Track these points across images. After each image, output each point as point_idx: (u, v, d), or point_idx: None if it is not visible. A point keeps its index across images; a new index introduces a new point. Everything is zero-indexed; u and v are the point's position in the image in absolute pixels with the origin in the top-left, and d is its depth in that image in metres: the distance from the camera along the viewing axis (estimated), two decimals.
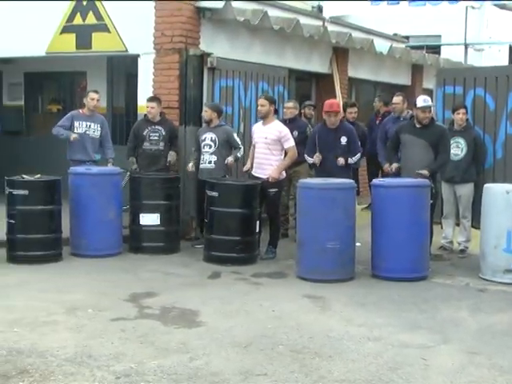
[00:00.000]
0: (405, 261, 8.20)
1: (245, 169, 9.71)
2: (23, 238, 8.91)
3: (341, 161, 9.27)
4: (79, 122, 10.22)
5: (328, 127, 9.40)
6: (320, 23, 13.04)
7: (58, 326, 6.28)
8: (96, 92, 10.46)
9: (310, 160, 9.52)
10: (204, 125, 9.97)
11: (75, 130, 10.18)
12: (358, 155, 9.57)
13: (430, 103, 9.21)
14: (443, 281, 8.31)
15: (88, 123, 10.25)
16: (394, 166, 9.21)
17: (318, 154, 9.34)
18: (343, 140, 9.34)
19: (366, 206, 12.01)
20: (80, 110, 10.45)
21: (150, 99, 10.17)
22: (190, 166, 9.90)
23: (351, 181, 8.68)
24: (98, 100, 10.37)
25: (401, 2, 22.22)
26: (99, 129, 10.31)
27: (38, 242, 8.92)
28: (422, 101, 9.10)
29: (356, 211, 8.59)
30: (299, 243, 8.43)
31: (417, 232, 8.25)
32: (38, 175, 9.17)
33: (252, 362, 5.43)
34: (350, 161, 9.37)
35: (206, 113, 9.82)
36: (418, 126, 9.11)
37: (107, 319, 6.48)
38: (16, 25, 11.59)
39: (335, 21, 14.43)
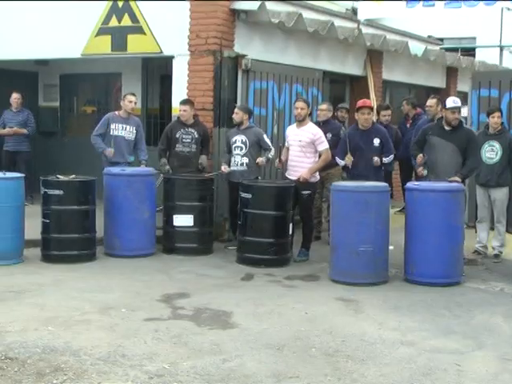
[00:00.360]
0: (438, 265, 8.13)
1: (278, 161, 9.56)
2: (58, 237, 9.00)
3: (376, 160, 9.17)
4: (115, 124, 10.26)
5: (360, 129, 9.35)
6: (354, 25, 13.01)
7: (92, 325, 6.32)
8: (133, 95, 10.49)
9: (341, 162, 9.44)
10: (235, 127, 10.00)
11: (111, 132, 10.21)
12: (392, 156, 9.47)
13: (459, 104, 9.11)
14: (477, 286, 8.24)
15: (124, 125, 10.29)
16: (420, 156, 9.10)
17: (349, 155, 9.27)
18: (376, 142, 9.26)
19: (399, 209, 11.97)
20: (116, 112, 10.50)
21: (183, 102, 10.20)
22: (223, 167, 9.92)
23: (385, 184, 8.63)
24: (135, 103, 10.41)
25: (436, 4, 22.04)
26: (134, 131, 10.35)
27: (73, 241, 9.02)
28: (451, 101, 9.04)
29: (389, 214, 8.55)
30: (332, 246, 8.41)
31: (451, 236, 8.17)
32: (73, 175, 9.25)
33: (285, 365, 5.42)
34: (385, 160, 9.28)
35: (237, 115, 9.82)
36: (446, 128, 9.02)
37: (140, 319, 6.51)
38: (52, 27, 11.73)
39: (370, 23, 14.39)
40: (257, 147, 9.79)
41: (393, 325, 6.56)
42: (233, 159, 9.84)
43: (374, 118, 10.54)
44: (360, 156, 9.23)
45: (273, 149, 9.82)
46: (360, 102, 9.46)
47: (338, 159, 9.46)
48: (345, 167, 9.50)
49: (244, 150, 9.75)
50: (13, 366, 5.25)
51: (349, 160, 9.25)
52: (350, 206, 8.18)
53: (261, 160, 9.65)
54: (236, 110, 9.89)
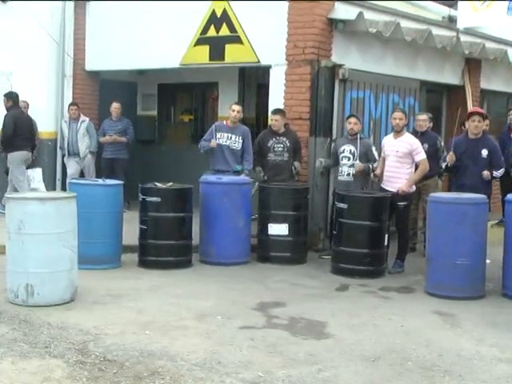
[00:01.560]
0: None
1: (376, 172, 9.47)
2: (154, 243, 9.16)
3: (486, 174, 8.94)
4: (221, 134, 10.26)
5: (469, 138, 9.17)
6: (451, 34, 12.80)
7: (188, 330, 6.41)
8: (238, 104, 10.54)
9: (443, 164, 9.32)
10: (343, 136, 9.99)
11: (216, 141, 10.22)
12: (503, 169, 9.24)
13: None
14: None
15: (229, 134, 10.25)
16: None
17: (451, 153, 9.06)
18: (484, 153, 9.02)
19: (496, 221, 11.69)
20: (224, 122, 10.56)
21: (274, 112, 10.24)
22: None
23: (483, 196, 8.37)
24: (238, 112, 10.32)
25: None
26: (240, 140, 10.26)
27: (169, 247, 9.17)
28: None
29: (487, 227, 8.36)
30: (428, 258, 8.29)
31: None
32: (171, 183, 9.41)
33: (380, 377, 5.37)
34: (495, 174, 9.07)
35: (356, 125, 9.74)
36: None
37: (236, 327, 6.56)
38: (151, 38, 11.97)
39: (467, 31, 14.14)
40: (364, 158, 9.67)
41: (491, 341, 6.41)
42: (340, 169, 9.81)
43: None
44: (466, 166, 9.06)
45: (377, 162, 9.69)
46: (471, 109, 9.35)
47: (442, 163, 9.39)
48: (447, 169, 9.36)
49: (351, 161, 9.67)
50: (111, 367, 5.38)
51: (450, 158, 9.05)
52: (446, 218, 8.04)
53: (358, 165, 9.53)
54: (355, 121, 9.76)
